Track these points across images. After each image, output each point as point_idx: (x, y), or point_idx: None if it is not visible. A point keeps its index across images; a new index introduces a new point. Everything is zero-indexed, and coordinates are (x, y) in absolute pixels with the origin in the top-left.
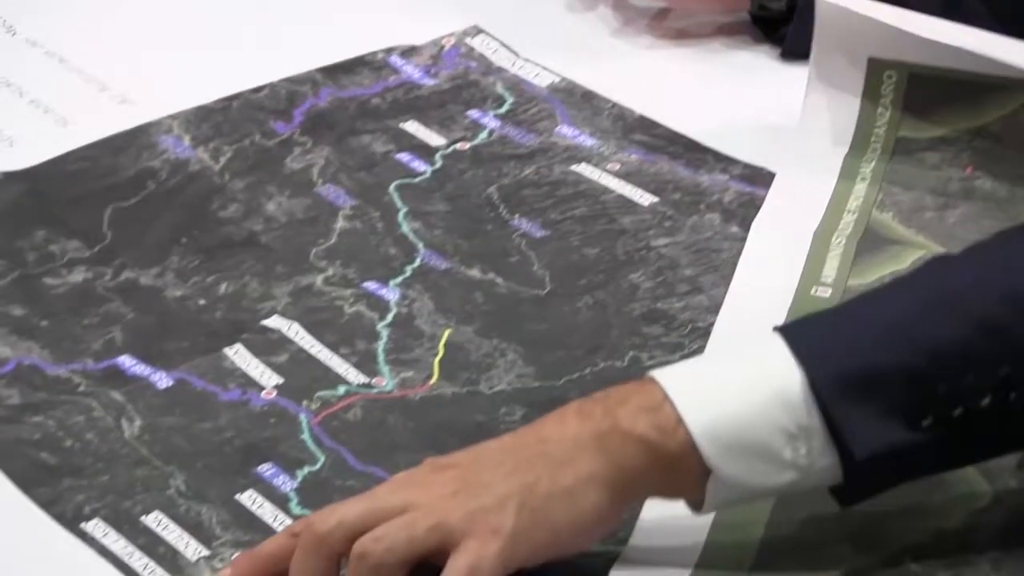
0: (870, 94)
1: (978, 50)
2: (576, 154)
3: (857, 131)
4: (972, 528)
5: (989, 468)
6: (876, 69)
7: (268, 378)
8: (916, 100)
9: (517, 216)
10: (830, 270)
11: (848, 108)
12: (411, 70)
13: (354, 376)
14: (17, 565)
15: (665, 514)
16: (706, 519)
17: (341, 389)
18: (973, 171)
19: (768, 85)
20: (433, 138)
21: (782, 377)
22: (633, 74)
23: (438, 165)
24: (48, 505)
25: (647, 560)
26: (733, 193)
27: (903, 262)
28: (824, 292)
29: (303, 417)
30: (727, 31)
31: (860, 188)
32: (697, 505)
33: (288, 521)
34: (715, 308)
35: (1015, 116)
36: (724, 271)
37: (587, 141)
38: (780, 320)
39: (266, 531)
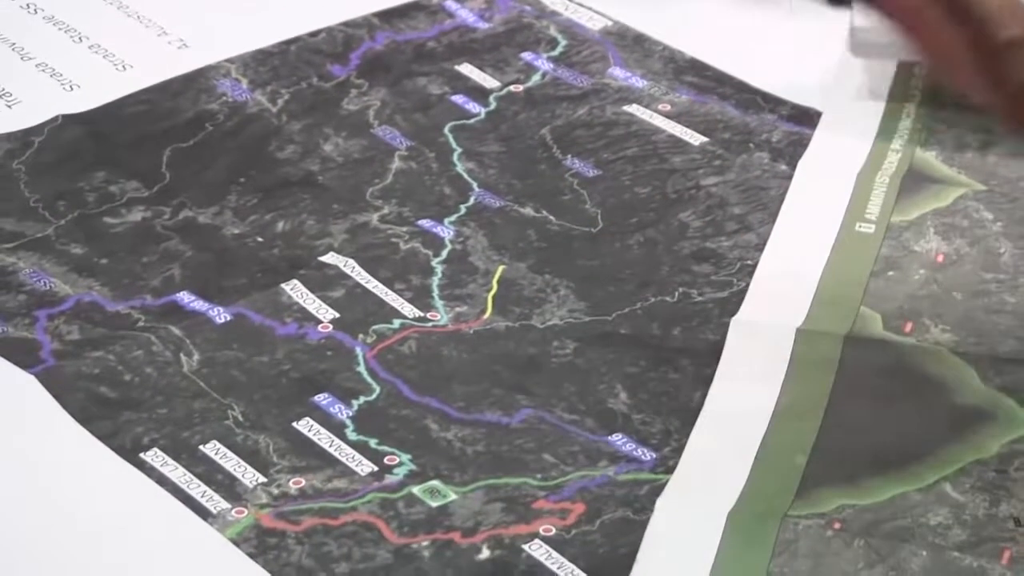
0: None
1: None
2: (628, 95)
3: (900, 69)
4: (1009, 457)
5: None
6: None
7: (324, 312)
8: None
9: (570, 156)
10: (873, 207)
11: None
12: (466, 14)
13: (409, 310)
14: (76, 496)
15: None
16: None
17: (396, 323)
18: None
19: (817, 28)
20: (487, 80)
21: None
22: (684, 18)
23: (492, 107)
24: (107, 438)
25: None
26: (781, 133)
27: (944, 200)
28: (867, 228)
29: (359, 350)
30: None
31: (904, 127)
32: None
33: (345, 447)
34: (763, 246)
35: None
36: (772, 209)
37: (638, 83)
38: (823, 257)
39: (322, 456)
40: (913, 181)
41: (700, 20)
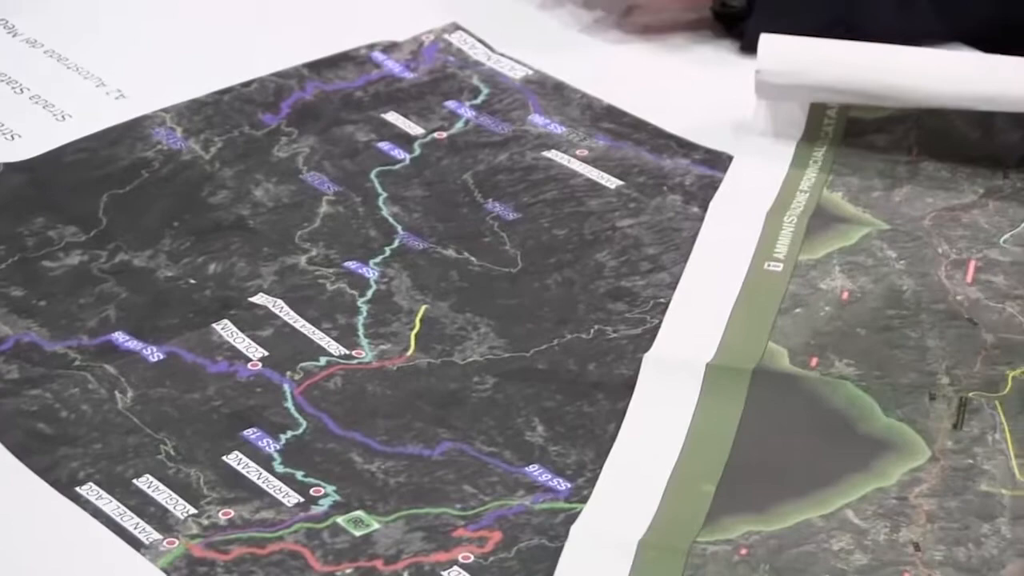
0: None
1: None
2: (547, 141)
3: (810, 116)
4: (909, 485)
5: (928, 429)
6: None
7: (254, 351)
8: None
9: (491, 200)
10: (782, 247)
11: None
12: (392, 65)
13: (335, 348)
14: (14, 529)
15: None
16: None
17: (323, 360)
18: (918, 154)
19: (728, 77)
20: (412, 128)
21: None
22: (601, 67)
23: (417, 153)
24: (44, 472)
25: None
26: (694, 176)
27: (850, 239)
28: (776, 267)
29: (286, 387)
30: (690, 27)
31: (812, 170)
32: None
33: (272, 479)
34: (676, 284)
35: None
36: (684, 249)
37: (557, 129)
38: (733, 295)
39: (251, 488)
40: (820, 221)
41: (617, 69)
